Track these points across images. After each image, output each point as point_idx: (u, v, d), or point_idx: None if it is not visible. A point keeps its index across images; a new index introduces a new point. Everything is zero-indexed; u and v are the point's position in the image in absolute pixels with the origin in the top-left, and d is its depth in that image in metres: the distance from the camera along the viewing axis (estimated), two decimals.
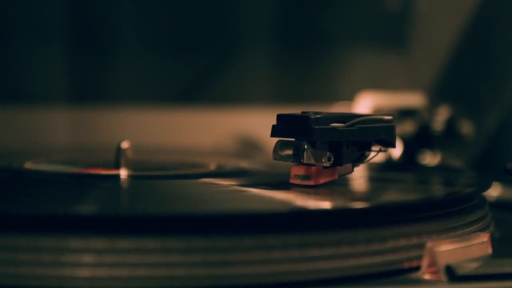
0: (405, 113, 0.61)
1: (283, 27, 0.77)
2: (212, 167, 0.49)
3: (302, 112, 0.39)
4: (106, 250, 0.30)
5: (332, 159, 0.38)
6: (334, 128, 0.38)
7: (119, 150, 0.46)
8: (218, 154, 0.63)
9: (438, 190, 0.45)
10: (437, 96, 0.68)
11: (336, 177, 0.39)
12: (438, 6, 0.76)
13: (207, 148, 0.71)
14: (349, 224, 0.33)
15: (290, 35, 0.78)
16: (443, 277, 0.33)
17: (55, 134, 0.72)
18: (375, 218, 0.34)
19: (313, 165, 0.38)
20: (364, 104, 0.64)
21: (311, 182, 0.38)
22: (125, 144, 0.46)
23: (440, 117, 0.60)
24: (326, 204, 0.36)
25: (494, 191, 0.52)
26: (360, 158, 0.40)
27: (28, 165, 0.49)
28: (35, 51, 0.72)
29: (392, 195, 0.41)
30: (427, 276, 0.33)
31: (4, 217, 0.31)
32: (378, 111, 0.61)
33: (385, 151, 0.41)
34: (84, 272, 0.30)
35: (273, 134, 0.39)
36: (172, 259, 0.30)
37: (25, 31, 0.72)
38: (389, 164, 0.56)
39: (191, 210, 0.33)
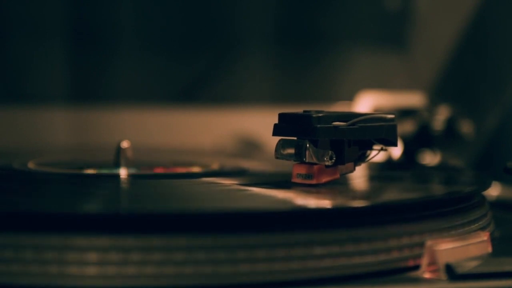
0: (405, 113, 0.61)
1: (283, 27, 0.77)
2: (212, 166, 0.49)
3: (304, 111, 0.39)
4: (107, 249, 0.30)
5: (334, 158, 0.38)
6: (336, 127, 0.38)
7: (119, 150, 0.46)
8: (218, 154, 0.63)
9: (438, 189, 0.45)
10: (437, 96, 0.68)
11: (338, 176, 0.39)
12: (438, 6, 0.77)
13: (207, 148, 0.71)
14: (349, 223, 0.33)
15: (290, 34, 0.78)
16: (443, 275, 0.33)
17: (55, 134, 0.72)
18: (376, 217, 0.34)
19: (315, 164, 0.38)
20: (364, 104, 0.64)
21: (313, 181, 0.38)
22: (125, 144, 0.46)
23: (440, 117, 0.60)
24: (327, 203, 0.36)
25: (494, 191, 0.52)
26: (361, 157, 0.40)
27: (28, 165, 0.49)
28: (35, 51, 0.72)
29: (392, 194, 0.41)
30: (427, 275, 0.33)
31: (4, 217, 0.31)
32: (378, 111, 0.61)
33: (386, 150, 0.41)
34: (85, 271, 0.30)
35: (275, 133, 0.39)
36: (174, 257, 0.30)
37: (25, 31, 0.72)
38: (389, 163, 0.56)
39: (192, 209, 0.33)
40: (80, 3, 0.74)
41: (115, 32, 0.74)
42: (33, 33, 0.72)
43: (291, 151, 0.38)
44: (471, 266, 0.33)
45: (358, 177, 0.44)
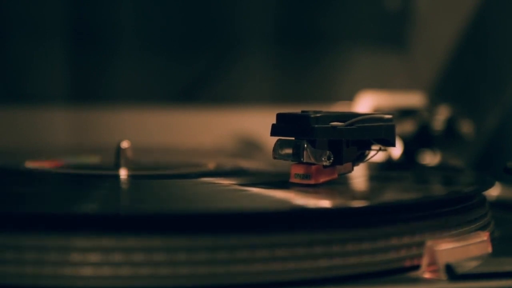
0: (405, 113, 0.61)
1: (283, 27, 0.77)
2: (212, 166, 0.49)
3: (302, 111, 0.39)
4: (107, 249, 0.30)
5: (332, 158, 0.38)
6: (334, 127, 0.38)
7: (119, 150, 0.46)
8: (218, 154, 0.63)
9: (438, 189, 0.45)
10: (437, 96, 0.68)
11: (336, 176, 0.39)
12: (438, 6, 0.76)
13: (207, 148, 0.71)
14: (348, 223, 0.33)
15: (290, 34, 0.78)
16: (443, 276, 0.33)
17: (55, 134, 0.72)
18: (375, 217, 0.34)
19: (313, 164, 0.38)
20: (364, 104, 0.64)
21: (311, 181, 0.38)
22: (125, 144, 0.46)
23: (440, 117, 0.60)
24: (325, 203, 0.36)
25: (494, 191, 0.52)
26: (360, 157, 0.40)
27: (28, 165, 0.49)
28: (35, 51, 0.72)
29: (392, 194, 0.41)
30: (427, 275, 0.33)
31: (5, 217, 0.31)
32: (378, 111, 0.61)
33: (385, 150, 0.41)
34: (86, 271, 0.30)
35: (273, 133, 0.39)
36: (173, 257, 0.30)
37: (25, 31, 0.72)
38: (389, 163, 0.56)
39: (191, 209, 0.33)
40: (80, 3, 0.74)
41: (115, 32, 0.74)
42: (33, 33, 0.72)
43: (289, 151, 0.38)
44: (471, 266, 0.33)
45: (358, 177, 0.44)
